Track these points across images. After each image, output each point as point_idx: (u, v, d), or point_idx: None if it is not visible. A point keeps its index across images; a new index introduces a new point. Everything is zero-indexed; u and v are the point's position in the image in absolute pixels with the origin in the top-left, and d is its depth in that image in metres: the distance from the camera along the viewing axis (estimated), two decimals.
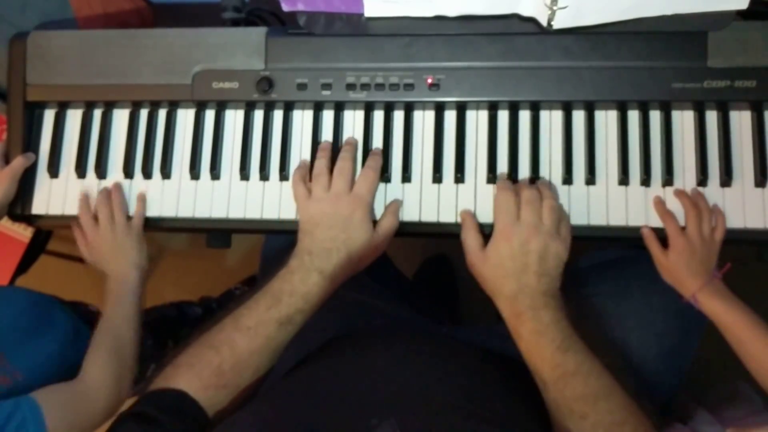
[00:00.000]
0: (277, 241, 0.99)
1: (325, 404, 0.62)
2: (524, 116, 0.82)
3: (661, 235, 0.78)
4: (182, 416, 0.64)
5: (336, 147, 0.84)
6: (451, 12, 0.77)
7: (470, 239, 0.76)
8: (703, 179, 0.79)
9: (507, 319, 0.72)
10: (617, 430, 0.63)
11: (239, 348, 0.69)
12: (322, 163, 0.79)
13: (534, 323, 0.69)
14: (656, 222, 0.79)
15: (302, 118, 0.86)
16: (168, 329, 1.27)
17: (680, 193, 0.79)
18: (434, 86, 0.81)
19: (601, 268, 0.93)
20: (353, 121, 0.85)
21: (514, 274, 0.71)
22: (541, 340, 0.68)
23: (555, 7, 0.73)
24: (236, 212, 0.85)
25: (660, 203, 0.79)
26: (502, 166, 0.82)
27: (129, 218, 0.86)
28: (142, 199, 0.87)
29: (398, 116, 0.84)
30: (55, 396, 0.74)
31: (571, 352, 0.67)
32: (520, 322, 0.70)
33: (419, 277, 1.59)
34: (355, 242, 0.75)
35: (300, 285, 0.73)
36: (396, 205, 0.81)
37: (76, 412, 0.75)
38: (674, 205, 0.79)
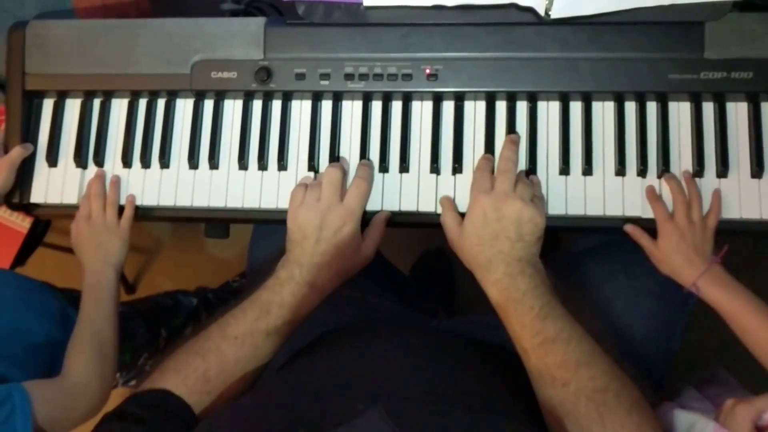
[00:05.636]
0: (264, 242, 1.00)
1: (313, 395, 0.63)
2: (521, 107, 0.83)
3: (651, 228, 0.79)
4: (166, 413, 0.65)
5: (334, 136, 0.84)
6: (450, 1, 0.78)
7: (448, 218, 0.76)
8: (699, 170, 0.79)
9: (485, 289, 0.71)
10: (600, 397, 0.62)
11: (226, 356, 0.70)
12: (320, 176, 0.79)
13: (511, 291, 0.68)
14: (651, 213, 0.79)
15: (300, 108, 0.86)
16: (162, 318, 1.27)
17: (670, 179, 0.78)
18: (432, 76, 0.82)
19: (587, 253, 0.94)
20: (351, 112, 0.85)
21: (489, 241, 0.70)
22: (519, 307, 0.68)
23: None
24: (234, 202, 0.85)
25: (651, 190, 0.79)
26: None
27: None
28: (131, 202, 0.87)
29: (396, 106, 0.84)
30: (43, 390, 0.75)
31: (550, 318, 0.67)
32: (496, 290, 0.70)
33: (417, 270, 1.59)
34: (344, 257, 0.75)
35: (289, 297, 0.73)
36: (382, 218, 0.81)
37: (61, 408, 0.77)
38: (666, 193, 0.79)
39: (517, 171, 0.77)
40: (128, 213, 0.87)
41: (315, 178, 0.83)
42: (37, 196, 0.89)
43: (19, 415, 0.69)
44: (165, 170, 0.87)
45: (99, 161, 0.88)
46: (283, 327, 0.73)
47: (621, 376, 0.65)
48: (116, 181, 0.87)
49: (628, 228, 0.79)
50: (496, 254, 0.70)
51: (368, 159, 0.84)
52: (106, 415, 0.63)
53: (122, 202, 0.88)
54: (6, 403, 0.69)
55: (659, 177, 0.80)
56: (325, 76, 0.83)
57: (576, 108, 0.82)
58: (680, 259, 0.76)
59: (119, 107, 0.89)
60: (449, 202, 0.80)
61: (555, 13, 0.76)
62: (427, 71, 0.82)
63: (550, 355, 0.65)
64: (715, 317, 0.76)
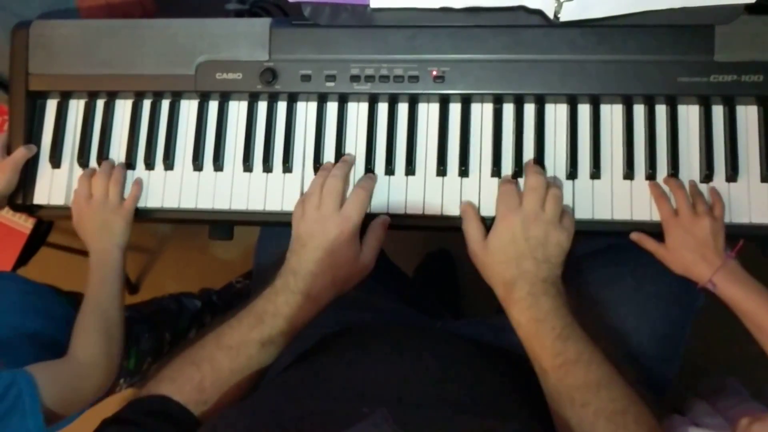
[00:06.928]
0: (270, 243, 0.99)
1: (318, 397, 0.63)
2: (529, 110, 0.82)
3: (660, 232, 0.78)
4: (165, 418, 0.64)
5: (339, 138, 0.84)
6: (458, 3, 0.77)
7: (472, 229, 0.76)
8: (708, 174, 0.78)
9: (506, 306, 0.71)
10: (619, 419, 0.62)
11: (220, 366, 0.70)
12: (317, 182, 0.78)
13: (533, 311, 0.68)
14: (659, 216, 0.78)
15: (306, 110, 0.85)
16: (167, 322, 1.27)
17: (669, 178, 0.78)
18: (439, 78, 0.81)
19: (594, 255, 0.93)
20: (357, 113, 0.84)
21: (515, 260, 0.71)
22: (540, 328, 0.68)
23: (562, 0, 0.73)
24: (239, 204, 0.85)
25: (657, 187, 0.78)
26: (507, 160, 0.81)
27: (123, 199, 0.86)
28: (139, 183, 0.86)
29: (402, 108, 0.84)
30: (49, 372, 0.75)
31: (571, 340, 0.67)
32: (518, 309, 0.69)
33: (420, 271, 1.59)
34: (340, 265, 0.75)
35: (283, 306, 0.72)
36: (380, 224, 0.80)
37: (70, 389, 0.76)
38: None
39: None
40: (134, 192, 0.86)
41: None
42: (40, 197, 0.88)
43: (26, 398, 0.69)
44: (169, 172, 0.87)
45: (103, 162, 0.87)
46: (278, 338, 0.72)
47: (639, 401, 0.65)
48: (121, 166, 0.86)
49: (634, 236, 0.79)
50: (522, 273, 0.70)
51: (374, 161, 0.83)
52: (105, 420, 0.62)
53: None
54: (11, 388, 0.69)
55: None
56: (331, 78, 0.82)
57: (584, 111, 0.81)
58: (691, 255, 0.74)
59: (123, 108, 0.89)
60: (473, 210, 0.78)
61: (564, 16, 0.75)
62: (434, 73, 0.81)
63: (570, 377, 0.65)
64: (715, 321, 0.75)
